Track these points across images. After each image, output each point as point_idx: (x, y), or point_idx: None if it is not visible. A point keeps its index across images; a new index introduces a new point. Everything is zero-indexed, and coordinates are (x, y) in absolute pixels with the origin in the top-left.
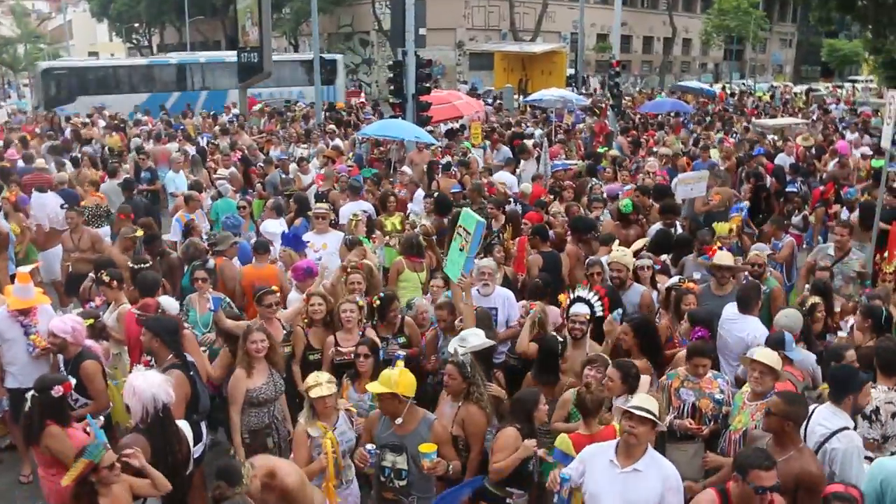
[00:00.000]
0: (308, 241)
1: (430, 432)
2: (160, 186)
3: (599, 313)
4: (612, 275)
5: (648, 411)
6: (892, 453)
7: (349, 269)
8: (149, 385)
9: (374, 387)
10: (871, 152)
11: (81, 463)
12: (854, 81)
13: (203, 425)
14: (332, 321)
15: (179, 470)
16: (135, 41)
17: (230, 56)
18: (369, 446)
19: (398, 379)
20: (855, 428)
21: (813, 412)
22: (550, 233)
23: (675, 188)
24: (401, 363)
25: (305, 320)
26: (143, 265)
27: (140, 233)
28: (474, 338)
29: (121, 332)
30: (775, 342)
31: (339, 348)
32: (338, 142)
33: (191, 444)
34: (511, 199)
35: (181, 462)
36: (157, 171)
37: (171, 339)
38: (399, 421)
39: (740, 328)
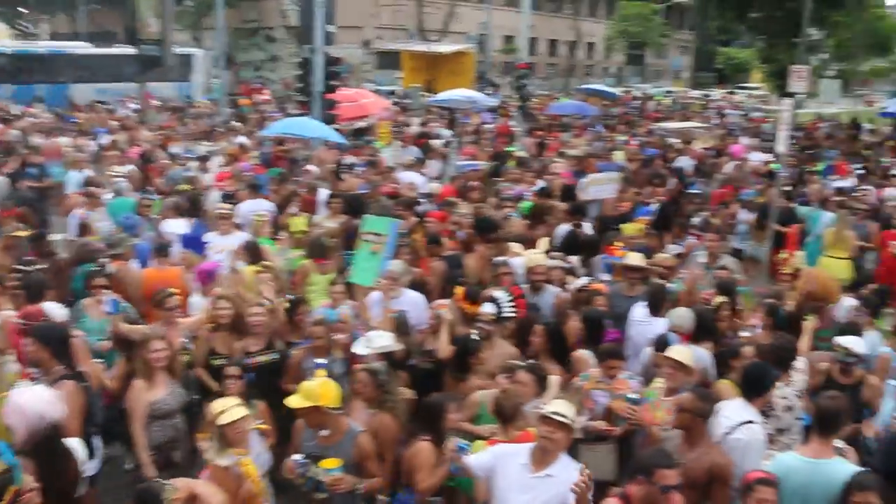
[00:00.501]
0: (209, 243)
1: (353, 445)
2: (50, 184)
3: (509, 314)
4: (535, 278)
5: (566, 416)
6: (786, 445)
7: (260, 270)
8: (35, 402)
9: (295, 401)
10: (773, 157)
11: (9, 492)
12: (744, 88)
13: (97, 440)
14: (238, 325)
15: (69, 493)
16: (21, 28)
17: (72, 48)
18: (297, 456)
19: (320, 391)
20: None
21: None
22: (461, 233)
23: (585, 189)
24: (323, 372)
25: (211, 324)
26: (31, 267)
27: (24, 232)
28: (381, 339)
29: (2, 342)
30: (659, 342)
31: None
32: (242, 139)
33: (82, 462)
34: (421, 200)
35: (70, 484)
36: (46, 168)
37: (61, 349)
38: (324, 432)
39: (651, 329)
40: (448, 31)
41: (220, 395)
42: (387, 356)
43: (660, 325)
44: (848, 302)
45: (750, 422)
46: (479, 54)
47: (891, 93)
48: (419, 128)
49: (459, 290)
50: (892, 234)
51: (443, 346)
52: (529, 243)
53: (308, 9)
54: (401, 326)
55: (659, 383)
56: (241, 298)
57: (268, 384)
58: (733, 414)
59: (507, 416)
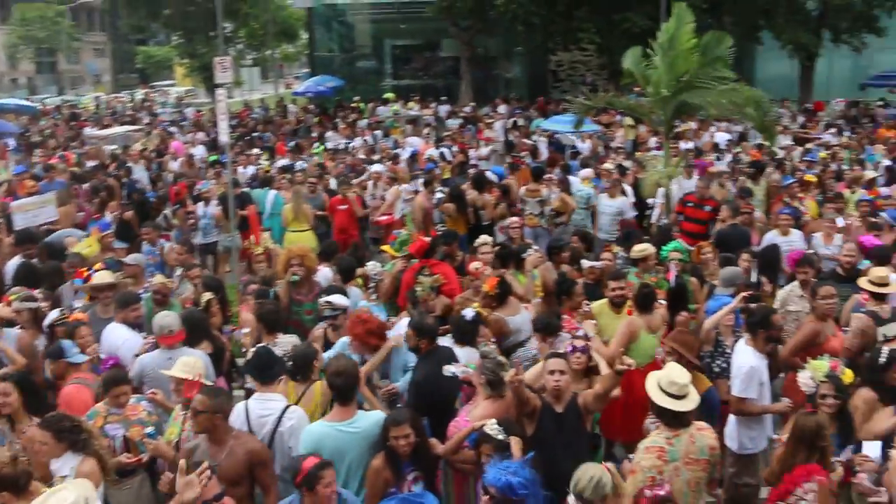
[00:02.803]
0: None
1: None
2: None
3: None
4: None
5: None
6: None
7: None
8: None
9: None
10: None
11: None
12: (169, 86)
13: None
14: None
15: None
16: None
17: None
18: None
19: None
20: None
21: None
22: None
23: (14, 218)
24: None
25: None
26: None
27: None
28: None
29: None
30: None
31: None
32: None
33: None
34: None
35: None
36: None
37: None
38: None
39: (132, 344)
40: None
41: None
42: None
43: (137, 339)
44: (325, 272)
45: (288, 406)
46: None
47: (305, 74)
48: None
49: None
50: (338, 199)
51: None
52: None
53: None
54: None
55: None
56: None
57: None
58: (264, 408)
59: (18, 486)
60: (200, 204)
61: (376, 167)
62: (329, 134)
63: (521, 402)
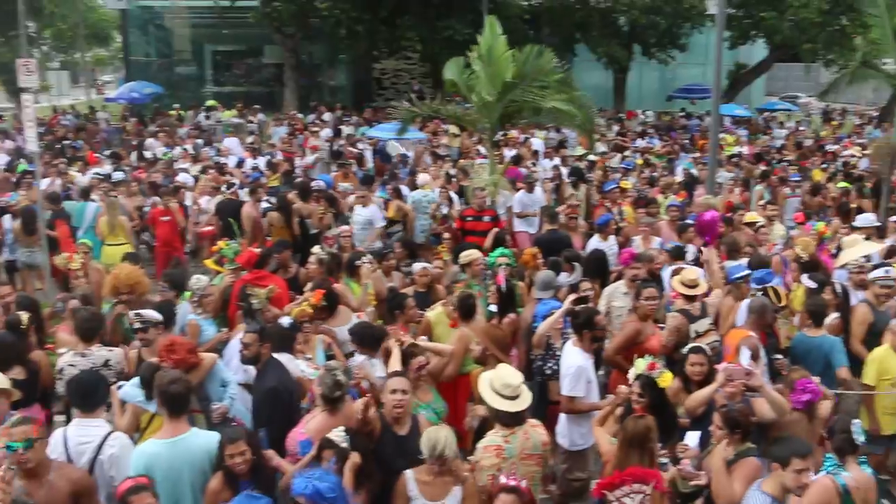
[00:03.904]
0: None
1: None
2: None
3: None
4: None
5: None
6: None
7: None
8: None
9: None
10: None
11: None
12: None
13: None
14: None
15: None
16: None
17: None
18: None
19: None
20: None
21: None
22: None
23: None
24: None
25: None
26: None
27: None
28: None
29: None
30: None
31: None
32: None
33: None
34: None
35: None
36: None
37: None
38: None
39: None
40: None
41: None
42: None
43: None
44: None
45: (110, 433)
46: None
47: (120, 79)
48: None
49: None
50: (160, 210)
51: None
52: None
53: None
54: None
55: None
56: None
57: None
58: (83, 435)
59: None
60: (6, 217)
61: (182, 177)
62: (148, 142)
63: (362, 422)
